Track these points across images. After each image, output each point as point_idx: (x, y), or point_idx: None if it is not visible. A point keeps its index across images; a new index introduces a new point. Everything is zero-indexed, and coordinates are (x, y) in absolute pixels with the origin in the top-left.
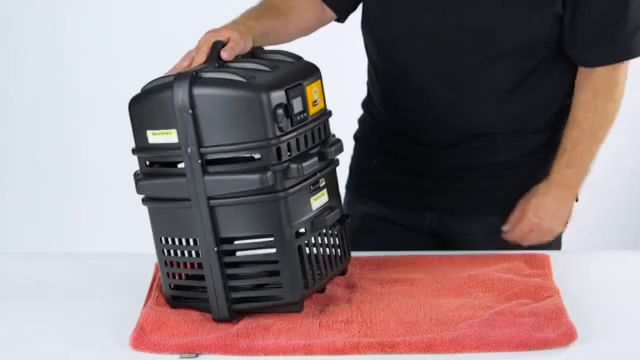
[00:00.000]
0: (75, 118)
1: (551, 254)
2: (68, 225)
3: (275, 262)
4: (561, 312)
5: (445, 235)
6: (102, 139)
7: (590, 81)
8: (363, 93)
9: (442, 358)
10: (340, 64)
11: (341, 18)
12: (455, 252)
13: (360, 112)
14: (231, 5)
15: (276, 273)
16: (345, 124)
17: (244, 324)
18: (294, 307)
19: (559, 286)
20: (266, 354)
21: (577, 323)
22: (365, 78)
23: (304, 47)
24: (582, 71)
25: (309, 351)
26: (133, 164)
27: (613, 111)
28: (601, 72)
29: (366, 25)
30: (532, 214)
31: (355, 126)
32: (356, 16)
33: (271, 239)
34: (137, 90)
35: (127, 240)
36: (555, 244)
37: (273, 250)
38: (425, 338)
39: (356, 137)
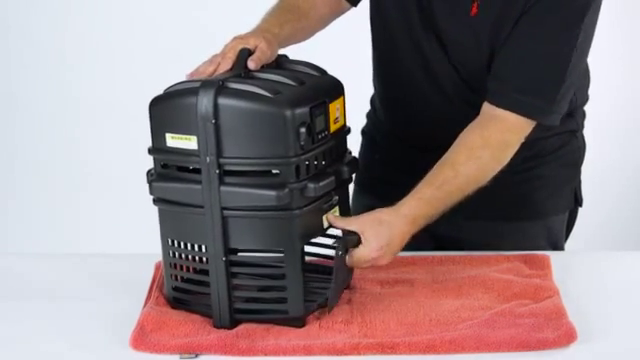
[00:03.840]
0: (75, 118)
1: (551, 254)
2: (68, 225)
3: (282, 277)
4: (561, 313)
5: (444, 238)
6: (102, 139)
7: (486, 129)
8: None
9: (442, 359)
10: (352, 58)
11: (355, 4)
12: (455, 252)
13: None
14: (227, 10)
15: (282, 288)
16: (354, 118)
17: (244, 325)
18: (296, 322)
19: (559, 286)
20: (266, 355)
21: (577, 323)
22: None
23: (316, 39)
24: (483, 112)
25: (309, 352)
26: (133, 165)
27: (491, 170)
28: (498, 127)
29: (370, 17)
30: (377, 243)
31: (364, 120)
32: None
33: (281, 255)
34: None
35: (127, 240)
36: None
37: (282, 265)
38: (425, 339)
39: (363, 132)
